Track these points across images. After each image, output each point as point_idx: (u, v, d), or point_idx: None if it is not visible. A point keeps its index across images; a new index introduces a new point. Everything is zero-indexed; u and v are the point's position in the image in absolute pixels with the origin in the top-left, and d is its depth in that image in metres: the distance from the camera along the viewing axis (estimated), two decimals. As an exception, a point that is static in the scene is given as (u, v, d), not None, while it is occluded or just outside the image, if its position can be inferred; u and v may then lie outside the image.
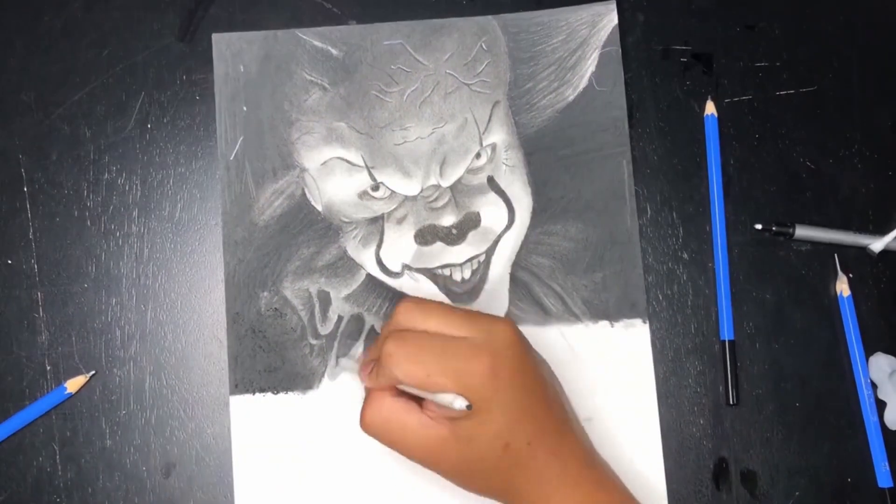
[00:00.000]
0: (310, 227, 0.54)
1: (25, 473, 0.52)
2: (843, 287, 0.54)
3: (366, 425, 0.46)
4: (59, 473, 0.52)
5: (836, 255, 0.55)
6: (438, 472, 0.46)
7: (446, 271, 0.54)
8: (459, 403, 0.42)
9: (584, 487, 0.45)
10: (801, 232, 0.54)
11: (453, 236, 0.54)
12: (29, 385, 0.53)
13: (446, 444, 0.44)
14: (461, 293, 0.54)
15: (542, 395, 0.45)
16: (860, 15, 0.58)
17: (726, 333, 0.53)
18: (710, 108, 0.55)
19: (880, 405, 0.53)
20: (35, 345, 0.53)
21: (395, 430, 0.45)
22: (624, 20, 0.57)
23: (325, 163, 0.55)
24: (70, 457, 0.52)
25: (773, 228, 0.54)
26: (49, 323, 0.53)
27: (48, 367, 0.53)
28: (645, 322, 0.54)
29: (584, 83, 0.56)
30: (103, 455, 0.52)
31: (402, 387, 0.45)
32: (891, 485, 0.52)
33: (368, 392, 0.46)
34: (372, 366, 0.46)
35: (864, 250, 0.55)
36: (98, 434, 0.52)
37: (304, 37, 0.55)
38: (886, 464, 0.52)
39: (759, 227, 0.55)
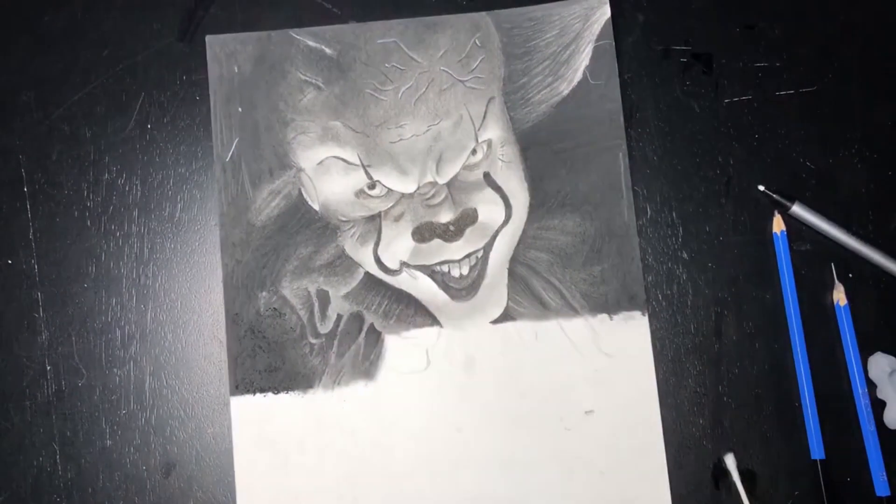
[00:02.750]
0: (307, 227, 0.54)
1: (26, 473, 0.52)
2: (839, 296, 0.54)
3: None
4: (60, 473, 0.52)
5: (832, 265, 0.55)
6: None
7: (444, 268, 0.54)
8: None
9: None
10: (798, 210, 0.54)
11: (451, 233, 0.54)
12: (29, 385, 0.53)
13: None
14: (460, 289, 0.54)
15: None
16: (860, 15, 0.58)
17: (817, 452, 0.53)
18: (779, 225, 0.55)
19: (880, 405, 0.53)
20: (35, 345, 0.53)
21: None
22: (624, 20, 0.57)
23: (321, 162, 0.55)
24: (70, 457, 0.52)
25: (775, 196, 0.54)
26: (49, 323, 0.53)
27: (48, 367, 0.53)
28: (644, 314, 0.54)
29: (578, 77, 0.56)
30: (103, 455, 0.52)
31: None
32: (888, 493, 0.52)
33: None
34: None
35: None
36: (98, 434, 0.52)
37: (298, 37, 0.56)
38: (884, 473, 0.52)
39: (761, 188, 0.55)
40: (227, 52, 0.56)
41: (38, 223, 0.54)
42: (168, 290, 0.54)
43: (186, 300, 0.54)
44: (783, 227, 0.54)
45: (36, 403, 0.53)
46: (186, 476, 0.52)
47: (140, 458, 0.52)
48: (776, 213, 0.55)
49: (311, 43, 0.56)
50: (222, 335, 0.53)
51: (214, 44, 0.56)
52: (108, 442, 0.52)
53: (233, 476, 0.52)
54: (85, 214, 0.54)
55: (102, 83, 0.56)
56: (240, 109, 0.55)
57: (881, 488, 0.52)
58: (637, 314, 0.54)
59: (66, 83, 0.55)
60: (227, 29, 0.56)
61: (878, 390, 0.53)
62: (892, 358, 0.53)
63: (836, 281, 0.54)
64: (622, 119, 0.55)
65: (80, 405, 0.53)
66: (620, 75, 0.56)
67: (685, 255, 0.55)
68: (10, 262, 0.54)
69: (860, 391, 0.53)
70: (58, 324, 0.53)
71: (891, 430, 0.53)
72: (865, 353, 0.54)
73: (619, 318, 0.54)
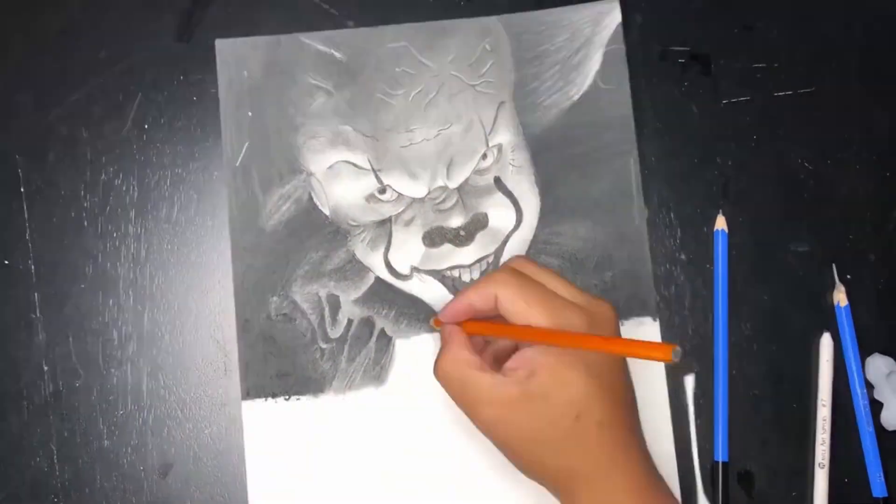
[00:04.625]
0: (318, 232, 0.54)
1: (23, 473, 0.52)
2: (840, 297, 0.54)
3: (439, 373, 0.46)
4: (57, 473, 0.52)
5: (833, 266, 0.54)
6: (500, 440, 0.45)
7: (455, 273, 0.54)
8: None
9: (647, 492, 0.44)
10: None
11: (461, 238, 0.54)
12: (26, 386, 0.53)
13: (515, 406, 0.43)
14: None
15: (622, 382, 0.45)
16: (859, 16, 0.58)
17: (721, 454, 0.52)
18: (721, 223, 0.55)
19: (877, 406, 0.53)
20: (32, 345, 0.53)
21: (466, 385, 0.45)
22: (622, 21, 0.57)
23: (331, 167, 0.55)
24: (67, 457, 0.52)
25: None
26: (46, 324, 0.53)
27: (45, 368, 0.53)
28: (655, 320, 0.54)
29: (589, 82, 0.56)
30: (101, 455, 0.52)
31: (484, 336, 0.46)
32: (885, 494, 0.52)
33: (445, 342, 0.46)
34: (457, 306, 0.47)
35: (863, 250, 0.55)
36: (96, 434, 0.52)
37: (308, 41, 0.55)
38: (881, 474, 0.52)
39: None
40: (236, 57, 0.55)
41: (34, 224, 0.54)
42: (165, 290, 0.54)
43: (184, 301, 0.54)
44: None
45: (33, 404, 0.53)
46: (184, 476, 0.52)
47: (137, 459, 0.52)
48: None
49: (320, 47, 0.55)
50: (220, 336, 0.53)
51: (224, 48, 0.55)
52: (106, 442, 0.52)
53: (230, 476, 0.52)
54: (82, 215, 0.54)
55: (99, 84, 0.55)
56: (249, 114, 0.55)
57: (878, 489, 0.52)
58: (648, 320, 0.54)
59: (63, 83, 0.55)
60: (226, 30, 0.56)
61: (875, 391, 0.53)
62: (889, 359, 0.53)
63: (838, 282, 0.54)
64: (633, 124, 0.55)
65: (78, 406, 0.53)
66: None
67: (683, 257, 0.55)
68: (6, 262, 0.54)
69: (859, 392, 0.53)
70: (55, 324, 0.53)
71: (888, 431, 0.53)
72: (863, 354, 0.54)
73: (630, 323, 0.54)
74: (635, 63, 0.57)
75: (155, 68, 0.56)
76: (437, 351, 0.47)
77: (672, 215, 0.55)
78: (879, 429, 0.53)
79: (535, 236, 0.55)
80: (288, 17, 0.56)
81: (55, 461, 0.52)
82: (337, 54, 0.55)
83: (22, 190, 0.54)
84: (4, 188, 0.54)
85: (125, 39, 0.56)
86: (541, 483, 0.46)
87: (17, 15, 0.56)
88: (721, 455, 0.52)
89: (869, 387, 0.53)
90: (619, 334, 0.45)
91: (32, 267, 0.54)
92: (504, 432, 0.45)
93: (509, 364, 0.44)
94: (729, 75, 0.57)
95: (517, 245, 0.54)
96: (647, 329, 0.53)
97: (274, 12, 0.56)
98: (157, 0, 0.56)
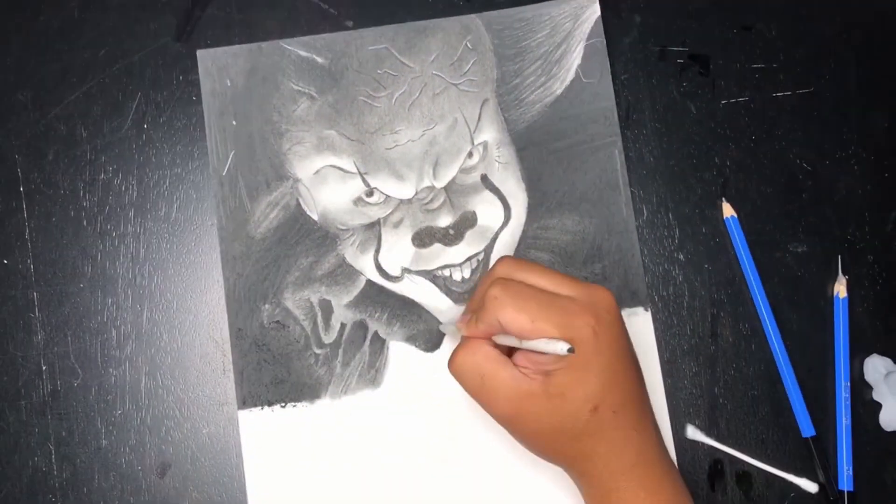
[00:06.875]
0: (307, 237, 0.54)
1: (21, 473, 0.52)
2: (840, 289, 0.54)
3: (455, 366, 0.46)
4: (55, 473, 0.52)
5: (839, 257, 0.54)
6: (518, 431, 0.46)
7: (446, 272, 0.54)
8: (562, 346, 0.42)
9: (658, 467, 0.45)
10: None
11: (451, 237, 0.54)
12: (25, 385, 0.53)
13: (535, 400, 0.44)
14: (462, 293, 0.54)
15: (631, 366, 0.46)
16: (857, 16, 0.58)
17: (807, 431, 0.53)
18: (729, 210, 0.55)
19: (876, 406, 0.53)
20: (31, 345, 0.53)
21: (486, 379, 0.45)
22: (621, 21, 0.57)
23: (317, 172, 0.55)
24: (66, 456, 0.52)
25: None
26: (45, 323, 0.53)
27: (44, 367, 0.53)
28: (647, 310, 0.54)
29: (570, 76, 0.56)
30: (99, 455, 0.52)
31: (498, 339, 0.45)
32: (851, 489, 0.52)
33: (464, 338, 0.47)
34: (471, 316, 0.46)
35: (861, 251, 0.55)
36: (94, 434, 0.52)
37: (289, 47, 0.55)
38: (850, 469, 0.52)
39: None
40: (218, 66, 0.55)
41: (33, 223, 0.54)
42: (164, 290, 0.54)
43: (182, 300, 0.54)
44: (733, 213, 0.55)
45: (31, 403, 0.53)
46: (182, 476, 0.52)
47: (135, 459, 0.52)
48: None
49: (302, 52, 0.55)
50: (218, 336, 0.53)
51: (206, 58, 0.55)
52: (104, 442, 0.52)
53: (228, 476, 0.52)
54: (81, 214, 0.54)
55: (99, 83, 0.55)
56: (234, 123, 0.55)
57: (843, 483, 0.52)
58: (640, 310, 0.54)
59: (63, 83, 0.55)
60: (224, 29, 0.56)
61: (873, 392, 0.53)
62: (887, 360, 0.53)
63: (841, 274, 0.54)
64: (616, 116, 0.55)
65: (76, 405, 0.53)
66: (617, 76, 0.56)
67: (681, 257, 0.55)
68: (5, 261, 0.54)
69: (842, 384, 0.53)
70: (53, 324, 0.53)
71: (887, 432, 0.53)
72: (861, 355, 0.54)
73: (623, 314, 0.53)
74: (634, 63, 0.57)
75: (155, 68, 0.56)
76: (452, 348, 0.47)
77: (670, 215, 0.55)
78: (875, 427, 0.53)
79: (523, 232, 0.55)
80: (287, 17, 0.56)
81: (53, 461, 0.52)
82: (319, 59, 0.55)
83: (21, 189, 0.55)
84: (4, 187, 0.54)
85: (124, 39, 0.56)
86: (553, 463, 0.47)
87: (17, 15, 0.56)
88: (807, 431, 0.52)
89: (867, 387, 0.53)
90: (620, 317, 0.46)
91: (31, 266, 0.54)
92: (523, 424, 0.45)
93: (519, 360, 0.45)
94: (727, 75, 0.57)
95: (507, 241, 0.55)
96: (639, 319, 0.54)
97: (273, 12, 0.56)
98: (157, 0, 0.56)
